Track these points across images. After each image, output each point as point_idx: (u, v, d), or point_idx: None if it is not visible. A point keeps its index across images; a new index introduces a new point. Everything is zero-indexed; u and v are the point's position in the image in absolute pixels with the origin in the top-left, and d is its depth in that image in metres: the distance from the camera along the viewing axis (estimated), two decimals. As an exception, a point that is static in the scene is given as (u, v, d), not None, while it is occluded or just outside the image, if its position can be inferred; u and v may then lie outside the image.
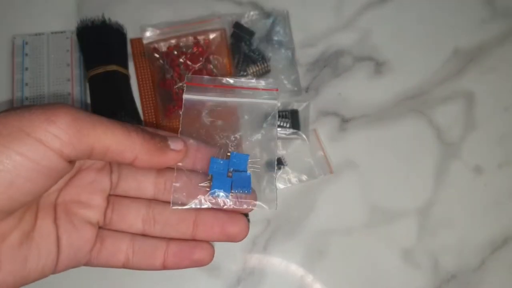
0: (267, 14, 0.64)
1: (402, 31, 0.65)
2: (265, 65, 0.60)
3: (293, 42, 0.63)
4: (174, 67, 0.58)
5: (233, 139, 0.38)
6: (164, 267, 0.35)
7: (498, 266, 0.57)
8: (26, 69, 0.58)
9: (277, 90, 0.39)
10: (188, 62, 0.58)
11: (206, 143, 0.36)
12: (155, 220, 0.35)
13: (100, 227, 0.34)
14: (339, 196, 0.58)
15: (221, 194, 0.35)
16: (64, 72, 0.59)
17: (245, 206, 0.35)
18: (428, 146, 0.60)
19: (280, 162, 0.58)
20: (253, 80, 0.39)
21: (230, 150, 0.37)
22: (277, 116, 0.39)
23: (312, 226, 0.57)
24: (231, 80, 0.39)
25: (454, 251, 0.57)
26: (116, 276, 0.53)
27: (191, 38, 0.60)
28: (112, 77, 0.57)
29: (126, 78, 0.59)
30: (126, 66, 0.60)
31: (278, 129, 0.58)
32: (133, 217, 0.35)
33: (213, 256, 0.35)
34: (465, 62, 0.64)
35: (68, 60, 0.59)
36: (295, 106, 0.60)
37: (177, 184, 0.35)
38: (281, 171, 0.58)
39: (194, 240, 0.35)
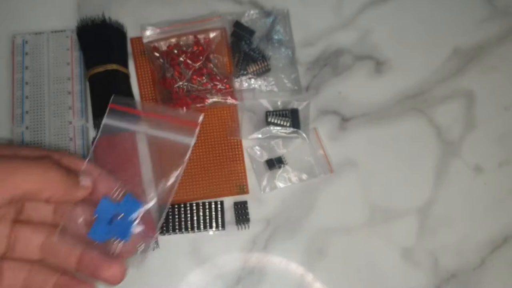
0: (267, 13, 0.64)
1: (402, 30, 0.65)
2: (265, 64, 0.60)
3: (293, 41, 0.63)
4: (174, 66, 0.58)
5: (137, 182, 0.38)
6: None
7: (498, 265, 0.57)
8: (26, 68, 0.58)
9: (196, 125, 0.39)
10: (188, 61, 0.58)
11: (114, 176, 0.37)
12: (51, 250, 0.35)
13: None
14: (339, 195, 0.58)
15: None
16: (64, 71, 0.59)
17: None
18: (428, 145, 0.60)
19: (280, 161, 0.58)
20: (180, 111, 0.40)
21: (126, 191, 0.37)
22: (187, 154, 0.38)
23: (312, 225, 0.57)
24: (158, 109, 0.39)
25: (454, 250, 0.57)
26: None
27: (191, 37, 0.60)
28: (112, 76, 0.57)
29: (126, 77, 0.59)
30: (126, 65, 0.60)
31: (279, 128, 0.58)
32: (33, 245, 0.35)
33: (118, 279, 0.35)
34: (465, 61, 0.64)
35: (68, 59, 0.59)
36: (295, 105, 0.60)
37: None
38: (281, 170, 0.58)
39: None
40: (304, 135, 0.58)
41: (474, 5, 0.66)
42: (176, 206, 0.55)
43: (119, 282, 0.34)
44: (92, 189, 0.36)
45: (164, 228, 0.55)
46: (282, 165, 0.58)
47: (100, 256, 0.34)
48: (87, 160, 0.37)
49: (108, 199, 0.36)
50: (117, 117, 0.38)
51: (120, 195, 0.37)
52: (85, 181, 0.35)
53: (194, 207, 0.56)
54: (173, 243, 0.55)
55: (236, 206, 0.56)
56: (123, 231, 0.36)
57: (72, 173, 0.34)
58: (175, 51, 0.59)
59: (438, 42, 0.65)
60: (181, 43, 0.60)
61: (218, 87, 0.59)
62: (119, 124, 0.38)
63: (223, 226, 0.56)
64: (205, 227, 0.55)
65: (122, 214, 0.36)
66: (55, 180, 0.33)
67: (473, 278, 0.56)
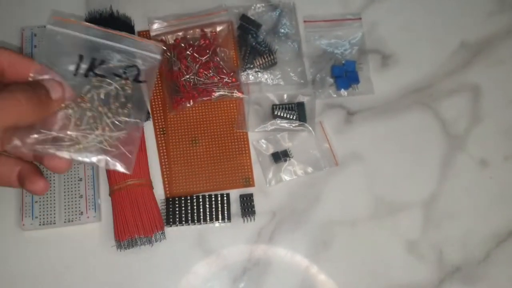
0: (273, 7, 0.64)
1: (409, 23, 0.65)
2: (272, 57, 0.60)
3: (300, 34, 0.63)
4: (181, 59, 0.59)
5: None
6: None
7: (503, 259, 0.57)
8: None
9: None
10: (195, 55, 0.59)
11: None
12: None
13: None
14: (344, 188, 0.58)
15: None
16: (73, 64, 0.59)
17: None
18: (434, 138, 0.60)
19: (286, 154, 0.58)
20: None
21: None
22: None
23: (317, 217, 0.57)
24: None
25: (458, 243, 0.57)
26: (124, 267, 0.54)
27: (198, 31, 0.61)
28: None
29: (134, 70, 0.59)
30: (133, 58, 0.60)
31: (285, 121, 0.59)
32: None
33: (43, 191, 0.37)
34: (472, 55, 0.64)
35: (76, 52, 0.60)
36: (301, 98, 0.60)
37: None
38: (287, 163, 0.58)
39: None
40: (310, 128, 0.59)
41: (481, -1, 0.66)
42: (183, 198, 0.56)
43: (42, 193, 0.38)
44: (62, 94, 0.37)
45: (171, 220, 0.55)
46: (288, 158, 0.58)
47: (32, 172, 0.37)
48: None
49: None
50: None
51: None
52: (56, 93, 0.36)
53: (201, 200, 0.56)
54: (180, 235, 0.56)
55: (242, 199, 0.57)
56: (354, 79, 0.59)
57: (41, 92, 0.35)
58: (182, 45, 0.59)
59: (445, 36, 0.64)
60: (188, 36, 0.60)
61: (225, 80, 0.59)
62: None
63: (229, 218, 0.56)
64: (211, 219, 0.56)
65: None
66: (29, 109, 0.34)
67: (477, 272, 0.56)
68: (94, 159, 0.38)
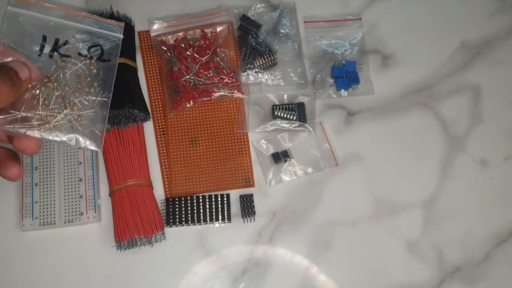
0: (274, 7, 0.64)
1: (409, 24, 0.65)
2: (272, 57, 0.60)
3: (300, 35, 0.63)
4: (181, 59, 0.59)
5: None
6: None
7: (503, 259, 0.57)
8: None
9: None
10: (195, 55, 0.59)
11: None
12: None
13: None
14: (344, 189, 0.58)
15: None
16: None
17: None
18: (434, 139, 0.60)
19: (286, 155, 0.58)
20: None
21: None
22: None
23: (317, 218, 0.57)
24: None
25: (459, 243, 0.57)
26: (124, 267, 0.54)
27: (198, 31, 0.61)
28: (120, 70, 0.57)
29: (134, 70, 0.60)
30: (134, 59, 0.60)
31: (285, 122, 0.59)
32: None
33: (16, 177, 0.38)
34: (472, 56, 0.64)
35: (76, 53, 0.60)
36: (301, 99, 0.60)
37: None
38: (287, 163, 0.58)
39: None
40: (310, 128, 0.59)
41: (481, -1, 0.66)
42: (183, 199, 0.56)
43: (16, 179, 0.38)
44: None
45: (171, 220, 0.55)
46: (288, 159, 0.58)
47: (6, 157, 0.38)
48: None
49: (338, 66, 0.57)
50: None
51: None
52: (24, 74, 0.36)
53: (201, 200, 0.56)
54: (180, 236, 0.56)
55: (242, 199, 0.57)
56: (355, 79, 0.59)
57: (11, 73, 0.35)
58: (182, 45, 0.60)
59: (445, 36, 0.64)
60: (188, 37, 0.60)
61: (225, 81, 0.59)
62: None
63: (229, 218, 0.56)
64: (211, 220, 0.56)
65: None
66: (4, 91, 0.34)
67: (477, 272, 0.56)
68: (64, 137, 0.38)
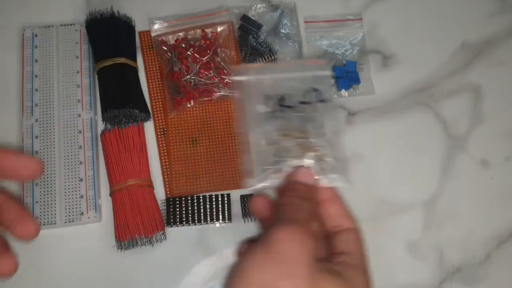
0: (274, 7, 0.64)
1: (409, 23, 0.65)
2: (273, 57, 0.60)
3: (300, 35, 0.63)
4: (182, 59, 0.59)
5: None
6: None
7: (504, 260, 0.57)
8: (36, 61, 0.59)
9: None
10: (196, 55, 0.59)
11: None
12: None
13: None
14: (344, 189, 0.58)
15: None
16: (73, 64, 0.59)
17: None
18: (435, 139, 0.60)
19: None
20: None
21: None
22: None
23: (318, 218, 0.57)
24: None
25: (459, 244, 0.57)
26: (125, 267, 0.54)
27: (198, 31, 0.61)
28: (120, 70, 0.58)
29: (135, 70, 0.60)
30: (134, 59, 0.60)
31: (285, 121, 0.58)
32: None
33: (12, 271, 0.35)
34: (473, 56, 0.64)
35: (77, 52, 0.60)
36: (302, 99, 0.60)
37: None
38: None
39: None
40: (310, 128, 0.59)
41: (482, -1, 0.66)
42: (183, 198, 0.56)
43: (8, 276, 0.35)
44: None
45: (172, 220, 0.55)
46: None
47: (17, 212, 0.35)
48: None
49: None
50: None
51: None
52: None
53: (201, 200, 0.56)
54: (180, 235, 0.56)
55: (242, 199, 0.57)
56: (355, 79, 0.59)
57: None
58: (183, 45, 0.59)
59: (446, 36, 0.64)
60: (189, 37, 0.60)
61: (226, 80, 0.59)
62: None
63: (229, 218, 0.56)
64: (212, 220, 0.56)
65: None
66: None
67: (478, 272, 0.56)
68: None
